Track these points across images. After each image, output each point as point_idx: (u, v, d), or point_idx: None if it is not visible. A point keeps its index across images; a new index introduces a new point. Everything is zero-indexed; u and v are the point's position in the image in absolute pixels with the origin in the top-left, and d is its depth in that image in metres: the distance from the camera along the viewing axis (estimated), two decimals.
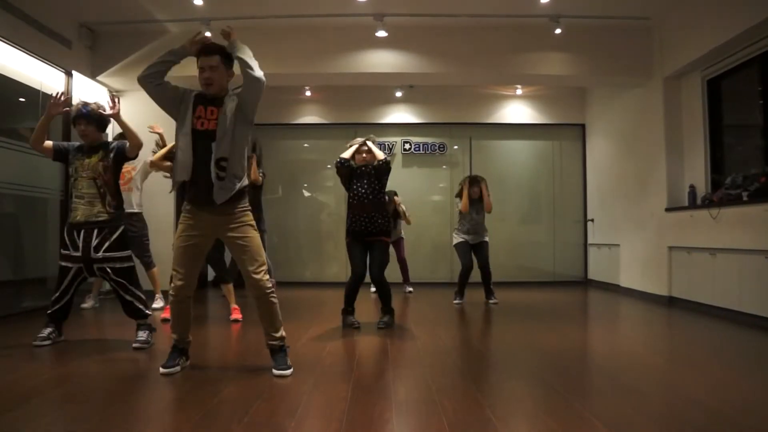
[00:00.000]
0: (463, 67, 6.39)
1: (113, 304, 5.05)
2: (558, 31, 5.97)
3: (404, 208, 6.88)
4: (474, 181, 5.97)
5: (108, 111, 3.52)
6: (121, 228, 3.62)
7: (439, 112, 8.48)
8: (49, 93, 5.36)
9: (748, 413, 2.37)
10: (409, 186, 8.18)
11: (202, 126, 2.89)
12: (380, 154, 4.46)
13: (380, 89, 8.28)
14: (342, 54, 6.33)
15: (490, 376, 3.09)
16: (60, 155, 3.65)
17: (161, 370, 2.91)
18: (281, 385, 2.73)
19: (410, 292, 6.98)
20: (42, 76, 5.32)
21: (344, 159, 4.45)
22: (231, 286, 4.95)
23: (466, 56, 6.34)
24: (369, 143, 4.52)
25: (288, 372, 2.90)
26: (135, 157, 3.76)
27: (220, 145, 2.86)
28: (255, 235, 3.00)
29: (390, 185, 4.87)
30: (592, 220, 8.18)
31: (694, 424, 2.22)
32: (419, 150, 8.44)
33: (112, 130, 5.97)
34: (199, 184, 2.88)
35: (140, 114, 5.00)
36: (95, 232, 3.53)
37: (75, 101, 5.23)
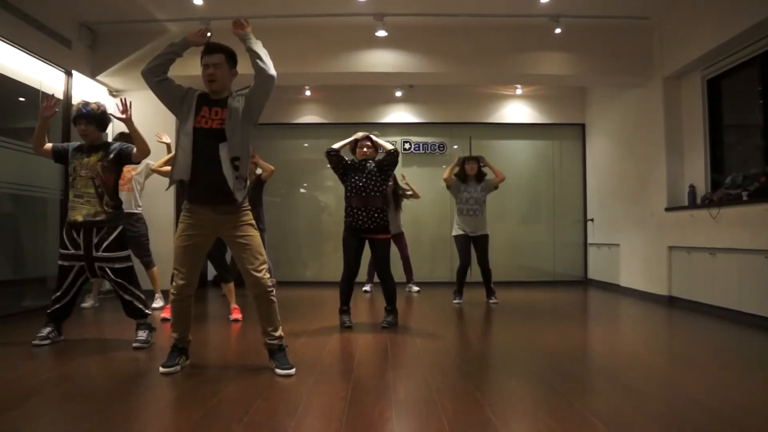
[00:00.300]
0: (463, 66, 6.39)
1: (113, 303, 5.06)
2: (558, 30, 5.96)
3: (407, 185, 6.83)
4: (470, 158, 5.99)
5: (118, 114, 3.48)
6: (120, 228, 3.62)
7: (438, 112, 8.48)
8: (49, 93, 5.39)
9: (748, 413, 2.36)
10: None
11: (206, 124, 2.89)
12: (388, 145, 4.45)
13: (380, 89, 8.28)
14: (342, 54, 6.33)
15: (490, 376, 3.09)
16: (59, 156, 3.65)
17: (161, 369, 2.91)
18: (281, 385, 2.73)
19: (417, 291, 6.95)
20: (42, 75, 5.31)
21: (332, 149, 4.44)
22: (232, 285, 4.95)
23: (466, 56, 6.34)
24: (373, 137, 4.51)
25: (293, 371, 2.89)
26: (139, 162, 3.79)
27: (233, 145, 2.86)
28: (255, 233, 3.01)
29: None
30: (592, 220, 8.18)
31: (694, 423, 2.22)
32: (419, 150, 8.44)
33: (112, 129, 5.97)
34: (201, 183, 2.87)
35: (140, 114, 4.94)
36: (94, 231, 3.54)
37: (75, 101, 5.26)
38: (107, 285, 5.89)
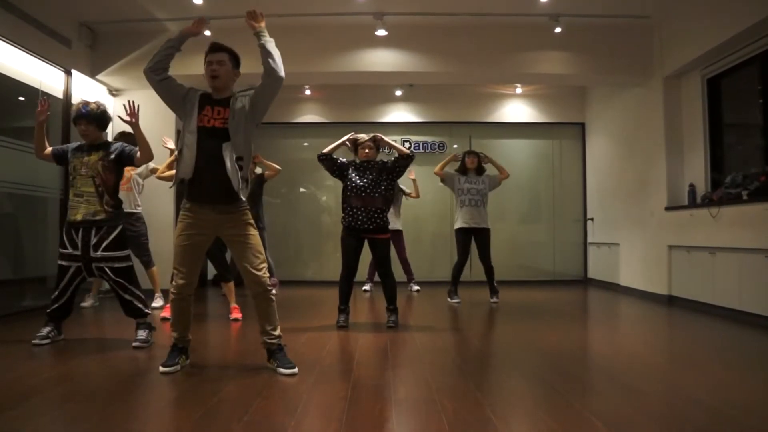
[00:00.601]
0: (463, 65, 6.38)
1: (113, 303, 5.05)
2: (558, 30, 5.96)
3: (413, 180, 6.82)
4: (470, 152, 6.04)
5: (125, 117, 3.48)
6: (120, 227, 3.62)
7: (438, 111, 8.48)
8: (49, 92, 5.39)
9: (748, 412, 2.36)
10: (409, 185, 8.15)
11: (208, 123, 2.89)
12: (405, 150, 4.43)
13: (380, 88, 8.27)
14: (342, 53, 6.33)
15: (490, 376, 3.09)
16: (60, 159, 3.68)
17: (161, 368, 2.91)
18: (281, 384, 2.73)
19: (417, 291, 6.94)
20: (41, 75, 5.31)
21: (322, 154, 4.41)
22: (232, 284, 4.95)
23: (466, 55, 6.34)
24: (388, 140, 4.51)
25: (296, 370, 2.89)
26: (140, 165, 3.81)
27: (236, 145, 2.88)
28: (255, 232, 3.02)
29: None
30: (592, 219, 8.18)
31: (694, 423, 2.22)
32: (419, 149, 8.43)
33: (113, 129, 5.97)
34: (203, 182, 2.88)
35: (140, 113, 4.98)
36: (94, 230, 3.54)
37: (75, 100, 5.26)
38: (107, 285, 5.88)
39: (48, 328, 3.62)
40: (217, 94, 2.98)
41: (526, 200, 8.60)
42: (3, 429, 2.10)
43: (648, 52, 6.27)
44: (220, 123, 2.89)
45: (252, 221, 3.03)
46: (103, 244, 3.53)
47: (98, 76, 6.25)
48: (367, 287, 7.00)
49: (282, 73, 2.91)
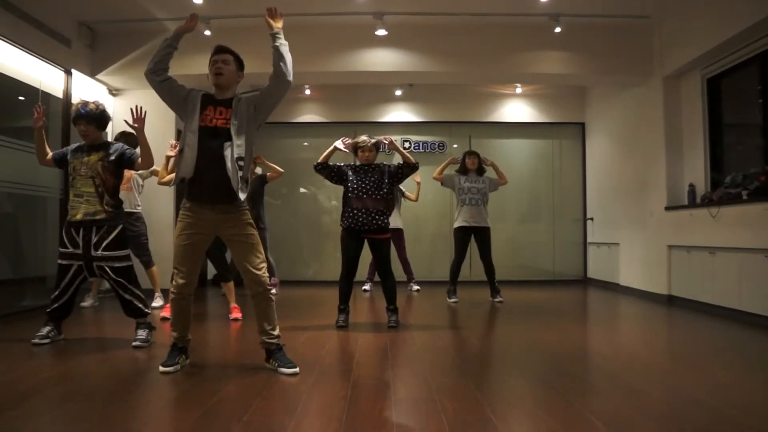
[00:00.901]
0: (463, 65, 6.38)
1: (113, 302, 5.05)
2: (558, 29, 5.96)
3: (417, 183, 6.82)
4: (471, 152, 6.06)
5: (131, 122, 3.48)
6: (120, 227, 3.62)
7: (438, 111, 8.48)
8: (49, 92, 5.39)
9: (748, 412, 2.36)
10: (409, 185, 8.15)
11: (210, 122, 2.90)
12: (412, 159, 4.43)
13: (380, 88, 8.27)
14: (342, 52, 6.32)
15: (490, 376, 3.09)
16: (60, 162, 3.69)
17: (161, 368, 2.91)
18: (281, 384, 2.73)
19: (417, 290, 6.94)
20: (41, 74, 5.31)
21: (317, 164, 4.40)
22: (231, 284, 4.94)
23: (466, 55, 6.33)
24: (398, 146, 4.50)
25: (297, 369, 2.89)
26: (139, 170, 3.82)
27: (238, 145, 2.89)
28: (254, 232, 3.02)
29: None
30: (592, 219, 8.18)
31: (694, 423, 2.22)
32: (419, 149, 8.44)
33: (112, 128, 5.97)
34: (203, 182, 2.88)
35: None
36: (94, 230, 3.54)
37: (75, 100, 5.26)
38: (107, 284, 5.89)
39: (48, 328, 3.62)
40: (219, 94, 2.99)
41: (526, 200, 8.60)
42: (3, 429, 2.10)
43: (648, 52, 6.27)
44: (222, 123, 2.90)
45: (251, 221, 3.04)
46: (104, 244, 3.53)
47: (98, 76, 6.25)
48: (366, 287, 7.00)
49: (291, 77, 2.96)
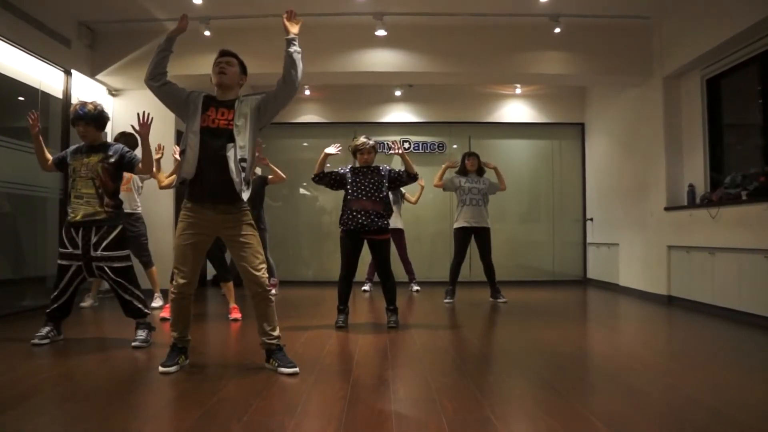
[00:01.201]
0: (463, 66, 6.38)
1: (112, 302, 5.05)
2: (557, 30, 5.96)
3: (421, 186, 6.74)
4: (470, 153, 6.07)
5: (137, 127, 3.47)
6: (120, 227, 3.62)
7: (438, 111, 8.48)
8: (48, 92, 5.39)
9: (748, 412, 2.36)
10: (411, 187, 8.14)
11: (212, 123, 2.90)
12: (414, 169, 4.43)
13: (379, 88, 8.27)
14: (341, 53, 6.33)
15: (490, 376, 3.09)
16: (60, 165, 3.70)
17: (160, 368, 2.91)
18: (281, 384, 2.73)
19: (417, 290, 6.93)
20: (41, 75, 5.31)
21: (315, 175, 4.38)
22: (231, 284, 4.94)
23: (466, 55, 6.34)
24: (404, 153, 4.46)
25: (297, 369, 2.90)
26: (139, 174, 3.84)
27: (241, 147, 2.89)
28: (254, 233, 3.03)
29: None
30: (592, 219, 8.18)
31: (694, 423, 2.22)
32: (418, 149, 8.44)
33: (112, 129, 5.97)
34: (205, 182, 2.88)
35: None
36: (94, 230, 3.54)
37: (75, 100, 5.26)
38: (106, 284, 5.89)
39: (47, 328, 3.62)
40: (221, 96, 3.00)
41: (525, 200, 8.60)
42: (3, 429, 2.10)
43: (648, 52, 6.27)
44: (224, 123, 2.91)
45: (252, 222, 3.04)
46: (103, 244, 3.54)
47: (98, 76, 6.24)
48: (366, 287, 7.00)
49: (298, 84, 2.96)
